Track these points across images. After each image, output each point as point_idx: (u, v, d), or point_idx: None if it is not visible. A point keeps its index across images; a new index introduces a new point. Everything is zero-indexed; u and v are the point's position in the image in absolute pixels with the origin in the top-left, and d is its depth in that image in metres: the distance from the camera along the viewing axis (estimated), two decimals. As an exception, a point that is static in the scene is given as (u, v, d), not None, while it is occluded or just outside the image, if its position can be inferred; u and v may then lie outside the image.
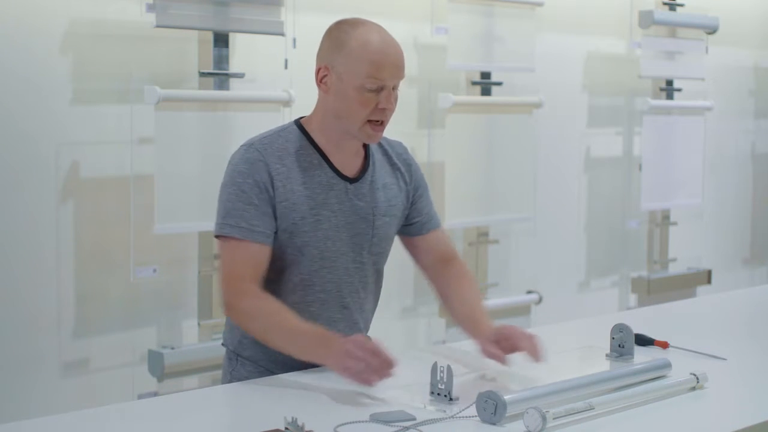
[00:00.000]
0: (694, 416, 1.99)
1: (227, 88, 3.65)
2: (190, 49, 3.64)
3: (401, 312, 4.33)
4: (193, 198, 3.52)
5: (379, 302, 2.43)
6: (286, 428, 1.74)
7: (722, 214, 5.90)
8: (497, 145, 4.54)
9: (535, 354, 2.12)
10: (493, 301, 4.51)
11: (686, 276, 5.41)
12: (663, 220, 5.38)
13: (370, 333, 2.39)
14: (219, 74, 3.62)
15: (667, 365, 2.19)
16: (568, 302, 5.02)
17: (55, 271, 3.42)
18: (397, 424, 1.84)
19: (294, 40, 3.69)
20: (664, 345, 2.46)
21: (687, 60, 5.29)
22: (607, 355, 2.34)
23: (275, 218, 2.18)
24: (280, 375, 2.21)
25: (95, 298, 3.52)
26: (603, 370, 2.26)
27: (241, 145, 2.24)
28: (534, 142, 4.64)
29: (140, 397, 3.50)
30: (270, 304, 2.16)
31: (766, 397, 2.13)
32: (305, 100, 3.61)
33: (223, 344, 2.37)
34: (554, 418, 1.81)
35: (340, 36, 2.20)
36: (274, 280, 2.21)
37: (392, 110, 2.21)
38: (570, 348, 2.46)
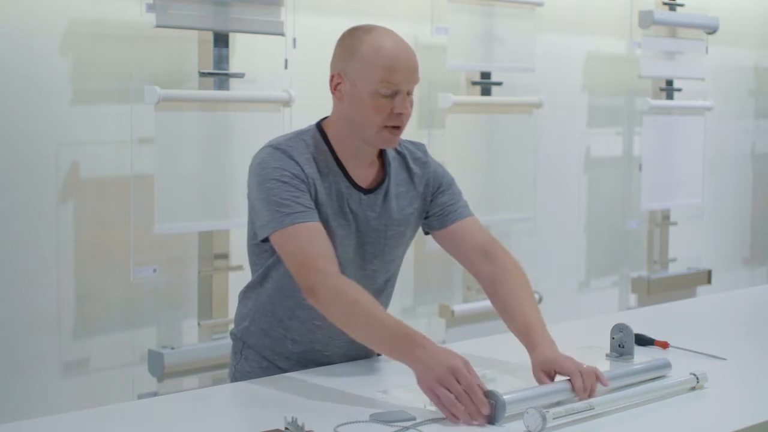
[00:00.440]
0: (694, 416, 1.99)
1: (227, 88, 3.65)
2: (190, 49, 3.64)
3: (401, 312, 4.33)
4: (193, 198, 3.52)
5: (379, 302, 2.42)
6: (286, 428, 1.74)
7: (722, 214, 5.90)
8: (497, 145, 4.54)
9: (582, 395, 1.98)
10: (493, 301, 4.50)
11: (686, 276, 5.41)
12: (663, 220, 5.38)
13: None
14: (219, 74, 3.62)
15: (667, 365, 2.19)
16: (568, 302, 5.02)
17: (55, 271, 3.42)
18: (397, 424, 1.84)
19: (294, 40, 3.69)
20: (664, 345, 2.46)
21: (687, 60, 5.29)
22: (607, 355, 2.34)
23: None
24: (280, 375, 2.21)
25: (95, 298, 3.52)
26: (603, 370, 2.25)
27: (265, 146, 2.19)
28: (534, 142, 4.64)
29: (140, 397, 3.50)
30: (352, 288, 2.07)
31: (766, 397, 2.13)
32: (305, 100, 3.64)
33: (231, 334, 2.35)
34: (554, 418, 1.81)
35: (352, 42, 2.18)
36: (288, 276, 2.17)
37: (408, 115, 2.17)
38: (570, 348, 2.46)
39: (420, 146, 2.38)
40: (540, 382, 2.04)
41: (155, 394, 3.45)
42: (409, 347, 1.95)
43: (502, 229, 4.70)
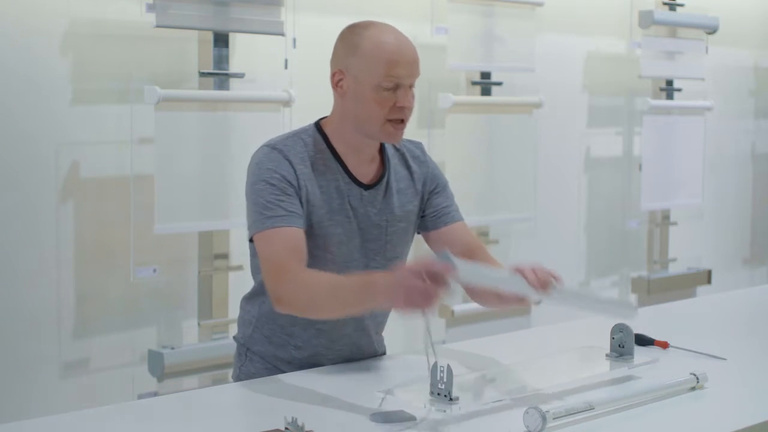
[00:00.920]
0: (694, 416, 1.99)
1: (227, 88, 3.65)
2: (190, 49, 3.64)
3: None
4: (193, 198, 3.52)
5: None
6: (286, 428, 1.74)
7: (722, 214, 5.90)
8: (497, 145, 4.54)
9: (536, 286, 2.05)
10: (493, 301, 4.50)
11: (686, 276, 5.41)
12: (663, 220, 5.38)
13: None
14: (219, 74, 3.62)
15: (631, 308, 2.18)
16: (568, 302, 5.01)
17: (55, 271, 3.42)
18: (397, 424, 1.84)
19: (294, 40, 3.69)
20: (664, 345, 2.46)
21: (687, 60, 5.29)
22: (607, 355, 2.34)
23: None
24: (280, 375, 2.21)
25: (95, 298, 3.52)
26: (603, 370, 2.26)
27: (262, 146, 2.21)
28: (534, 142, 4.64)
29: (140, 397, 3.50)
30: (311, 274, 2.09)
31: (766, 397, 2.13)
32: (305, 100, 3.64)
33: (234, 338, 2.37)
34: (554, 418, 1.81)
35: (353, 39, 2.19)
36: None
37: (411, 108, 2.19)
38: (570, 348, 2.46)
39: (418, 145, 2.39)
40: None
41: (155, 394, 3.45)
42: (372, 289, 1.97)
43: (501, 229, 4.70)
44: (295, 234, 2.12)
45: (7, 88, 3.31)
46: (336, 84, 2.21)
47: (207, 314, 3.67)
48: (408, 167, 2.33)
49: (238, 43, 3.75)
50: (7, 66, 3.30)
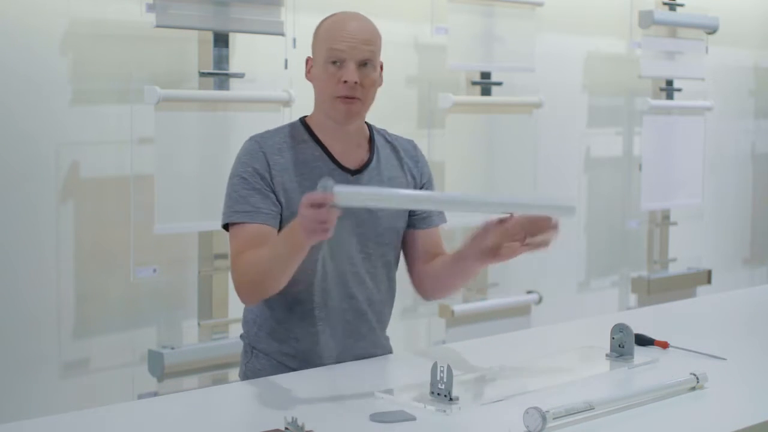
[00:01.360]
0: (694, 416, 1.99)
1: (227, 88, 3.65)
2: (190, 49, 3.64)
3: (401, 312, 4.32)
4: (193, 198, 3.52)
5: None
6: (286, 428, 1.74)
7: (722, 214, 5.90)
8: (497, 145, 4.54)
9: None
10: (493, 301, 4.51)
11: (686, 276, 5.41)
12: (663, 220, 5.38)
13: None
14: (219, 74, 3.62)
15: (570, 209, 2.14)
16: (568, 302, 5.02)
17: (55, 271, 3.42)
18: (397, 424, 1.84)
19: (294, 40, 3.69)
20: (664, 345, 2.46)
21: (687, 60, 5.29)
22: (607, 355, 2.34)
23: (279, 203, 2.21)
24: (280, 375, 2.21)
25: (95, 298, 3.52)
26: (603, 370, 2.26)
27: (248, 138, 2.30)
28: (534, 142, 4.64)
29: (140, 397, 3.50)
30: (252, 251, 2.15)
31: (766, 397, 2.13)
32: (305, 100, 3.62)
33: (240, 337, 2.39)
34: (554, 418, 1.81)
35: (317, 27, 2.28)
36: None
37: (366, 88, 2.21)
38: (570, 348, 2.46)
39: (410, 142, 2.43)
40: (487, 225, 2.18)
41: (155, 394, 3.45)
42: (291, 232, 1.99)
43: (502, 229, 4.69)
44: (257, 230, 2.18)
45: (7, 88, 3.31)
46: (308, 72, 2.28)
47: (207, 314, 3.67)
48: (399, 159, 2.36)
49: (238, 43, 3.75)
50: (7, 66, 3.30)
